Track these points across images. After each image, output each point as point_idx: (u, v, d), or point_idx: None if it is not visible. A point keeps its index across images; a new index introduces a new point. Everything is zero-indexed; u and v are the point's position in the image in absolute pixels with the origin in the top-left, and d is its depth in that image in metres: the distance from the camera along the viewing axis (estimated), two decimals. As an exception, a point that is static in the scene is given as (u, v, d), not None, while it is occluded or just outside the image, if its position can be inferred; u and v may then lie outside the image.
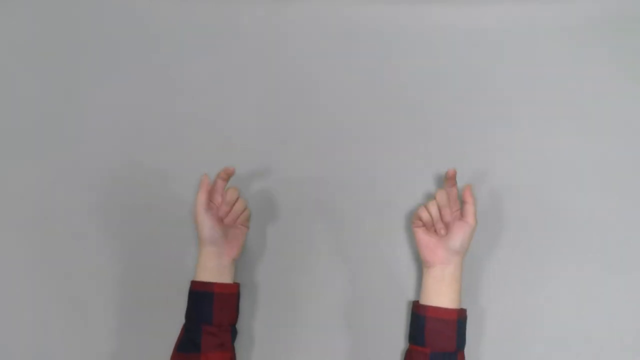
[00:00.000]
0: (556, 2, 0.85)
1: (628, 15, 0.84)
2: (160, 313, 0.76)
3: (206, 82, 0.84)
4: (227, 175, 0.71)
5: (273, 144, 0.82)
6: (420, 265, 0.76)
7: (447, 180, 0.70)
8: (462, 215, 0.70)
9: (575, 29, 0.84)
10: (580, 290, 0.76)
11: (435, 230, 0.71)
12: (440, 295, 0.69)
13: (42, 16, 0.88)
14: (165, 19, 0.87)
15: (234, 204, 0.72)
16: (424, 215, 0.70)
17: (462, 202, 0.71)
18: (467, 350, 0.69)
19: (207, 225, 0.69)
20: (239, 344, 0.75)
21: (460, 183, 0.79)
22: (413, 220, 0.73)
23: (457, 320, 0.67)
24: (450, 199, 0.70)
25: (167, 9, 0.87)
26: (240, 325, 0.76)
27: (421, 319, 0.68)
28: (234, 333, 0.71)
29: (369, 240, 0.78)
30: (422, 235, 0.71)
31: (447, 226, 0.70)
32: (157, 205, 0.80)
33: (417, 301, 0.71)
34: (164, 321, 0.75)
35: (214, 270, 0.70)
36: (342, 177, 0.80)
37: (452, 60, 0.84)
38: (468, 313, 0.71)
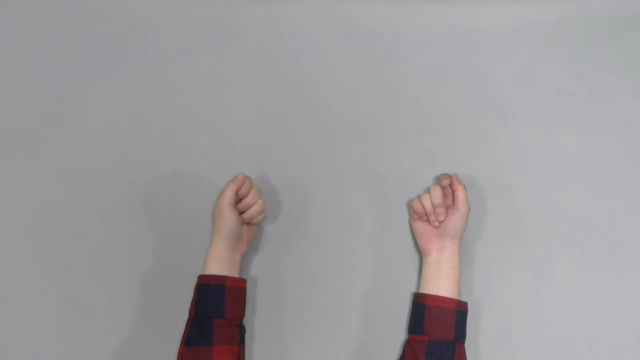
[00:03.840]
0: (556, 2, 0.85)
1: (628, 15, 0.84)
2: (161, 312, 0.76)
3: (206, 81, 0.84)
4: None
5: (273, 143, 0.82)
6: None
7: (442, 185, 0.72)
8: (453, 202, 0.72)
9: (575, 29, 0.84)
10: (580, 290, 0.76)
11: (429, 222, 0.73)
12: (438, 282, 0.70)
13: (42, 16, 0.88)
14: (165, 19, 0.87)
15: (256, 202, 0.73)
16: (417, 207, 0.73)
17: (452, 191, 0.73)
18: (467, 350, 0.69)
19: (230, 220, 0.70)
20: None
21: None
22: (410, 213, 0.77)
23: (456, 311, 0.68)
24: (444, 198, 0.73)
25: (167, 9, 0.87)
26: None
27: (421, 308, 0.70)
28: (242, 329, 0.71)
29: (369, 238, 0.78)
30: (418, 224, 0.75)
31: (441, 223, 0.73)
32: (157, 204, 0.80)
33: (418, 292, 0.72)
34: (165, 320, 0.75)
35: (227, 262, 0.70)
36: (342, 176, 0.80)
37: (452, 60, 0.84)
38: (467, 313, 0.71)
